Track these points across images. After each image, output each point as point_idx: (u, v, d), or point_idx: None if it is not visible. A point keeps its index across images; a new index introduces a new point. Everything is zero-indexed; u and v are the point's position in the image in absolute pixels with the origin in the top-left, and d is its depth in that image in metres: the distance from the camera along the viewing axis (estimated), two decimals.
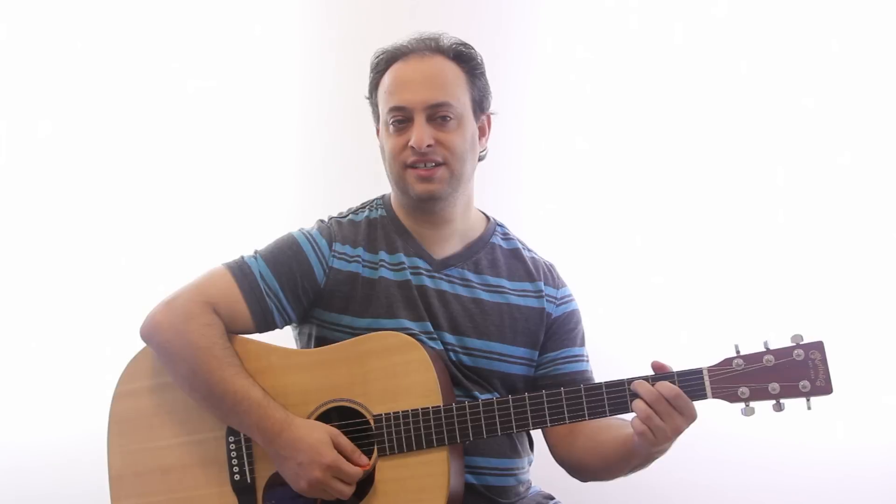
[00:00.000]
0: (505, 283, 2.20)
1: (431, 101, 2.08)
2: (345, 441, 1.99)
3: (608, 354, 2.49)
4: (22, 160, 3.13)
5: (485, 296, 2.17)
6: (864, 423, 2.80)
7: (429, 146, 2.07)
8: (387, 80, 2.14)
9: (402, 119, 2.09)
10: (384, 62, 2.16)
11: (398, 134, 2.10)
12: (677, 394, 1.87)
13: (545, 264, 2.27)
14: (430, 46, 2.14)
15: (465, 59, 2.15)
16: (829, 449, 2.82)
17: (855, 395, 2.68)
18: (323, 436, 1.98)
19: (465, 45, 2.16)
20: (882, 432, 2.81)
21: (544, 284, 2.22)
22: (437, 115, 2.09)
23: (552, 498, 2.23)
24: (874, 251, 2.84)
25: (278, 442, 1.98)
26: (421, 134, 2.06)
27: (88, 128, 3.14)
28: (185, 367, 2.06)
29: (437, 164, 2.09)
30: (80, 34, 3.16)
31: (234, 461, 2.07)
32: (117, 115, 3.15)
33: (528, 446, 2.22)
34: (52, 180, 3.12)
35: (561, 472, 2.19)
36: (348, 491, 1.97)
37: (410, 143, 2.07)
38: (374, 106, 2.19)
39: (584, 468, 2.14)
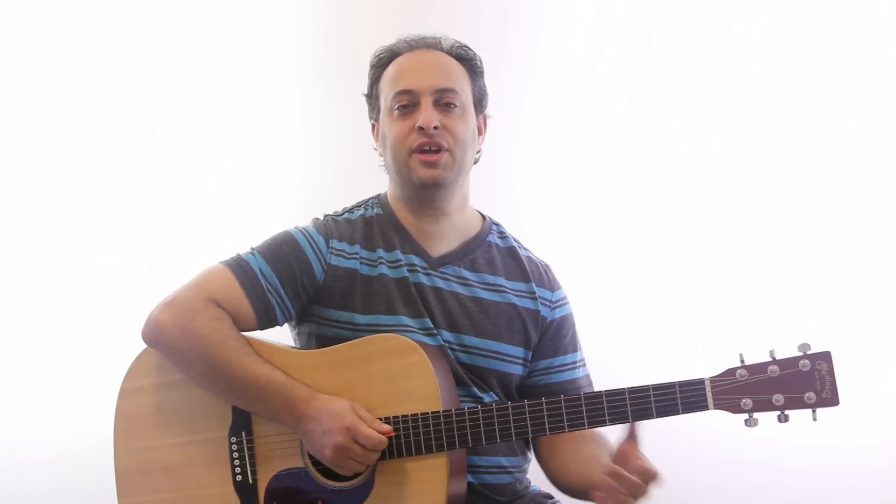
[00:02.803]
0: (503, 281, 2.19)
1: (438, 85, 2.11)
2: (365, 412, 1.98)
3: (608, 360, 2.48)
4: (25, 161, 3.14)
5: (482, 294, 2.16)
6: (865, 425, 2.77)
7: (435, 128, 2.07)
8: (391, 71, 2.16)
9: (407, 104, 2.11)
10: (386, 58, 2.18)
11: (403, 118, 2.11)
12: (655, 475, 1.84)
13: (541, 265, 2.26)
14: (433, 45, 2.16)
15: (465, 58, 2.18)
16: (829, 448, 2.80)
17: (858, 398, 2.64)
18: (344, 404, 1.98)
19: (465, 47, 2.19)
20: (882, 434, 2.80)
21: (538, 286, 2.21)
22: (443, 100, 2.11)
23: (551, 497, 2.22)
24: (885, 259, 2.80)
25: (305, 417, 1.98)
26: (429, 114, 2.08)
27: (91, 129, 3.16)
28: (201, 363, 2.05)
29: (441, 150, 2.09)
30: (83, 36, 3.16)
31: (237, 461, 2.08)
32: (118, 116, 3.15)
33: (524, 447, 2.22)
34: (56, 180, 3.14)
35: None
36: (371, 457, 1.96)
37: (418, 125, 2.08)
38: (374, 101, 2.20)
39: (557, 485, 2.18)
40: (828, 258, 2.84)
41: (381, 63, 2.18)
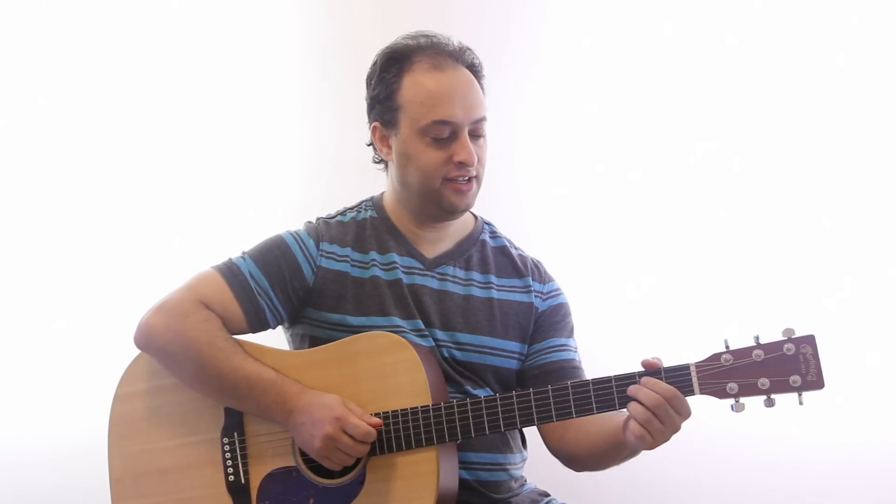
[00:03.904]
0: (494, 279, 2.20)
1: (476, 116, 2.09)
2: (355, 406, 1.99)
3: (596, 348, 2.49)
4: (23, 162, 3.16)
5: (476, 292, 2.18)
6: (862, 420, 2.78)
7: None
8: (420, 88, 2.08)
9: (446, 133, 2.07)
10: (403, 63, 2.11)
11: (438, 147, 2.07)
12: (674, 394, 1.85)
13: (532, 261, 2.27)
14: (453, 55, 2.12)
15: (476, 69, 2.15)
16: (828, 446, 2.81)
17: (854, 391, 2.68)
18: (334, 397, 1.99)
19: (472, 53, 2.16)
20: (881, 432, 2.79)
21: (532, 280, 2.23)
22: (476, 130, 2.10)
23: (547, 495, 2.22)
24: (868, 244, 2.82)
25: (295, 411, 1.99)
26: (470, 150, 2.07)
27: (89, 128, 3.17)
28: (191, 364, 2.07)
29: (471, 179, 2.10)
30: (82, 34, 3.19)
31: (229, 462, 2.08)
32: (117, 116, 3.18)
33: (520, 443, 2.22)
34: (55, 182, 3.16)
35: (557, 469, 2.19)
36: (360, 449, 1.96)
37: (459, 159, 2.06)
38: (389, 109, 2.12)
39: (575, 459, 2.15)
40: (819, 252, 2.86)
41: (394, 71, 2.10)
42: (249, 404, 2.06)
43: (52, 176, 3.16)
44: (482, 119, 2.10)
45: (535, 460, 2.24)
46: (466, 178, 2.09)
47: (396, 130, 2.12)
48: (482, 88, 2.14)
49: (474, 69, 2.14)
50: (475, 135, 2.10)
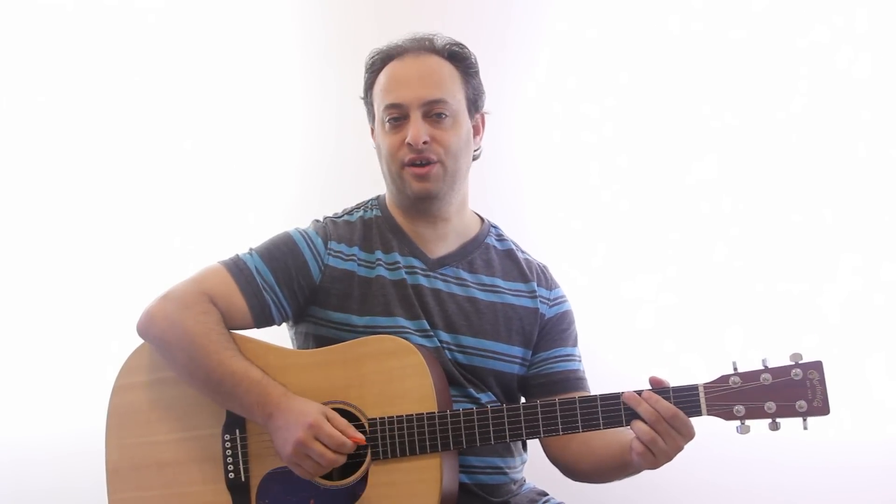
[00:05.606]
0: (499, 282, 2.20)
1: (427, 97, 2.09)
2: (338, 417, 1.96)
3: (607, 362, 2.49)
4: (23, 160, 3.14)
5: (479, 295, 2.17)
6: (862, 420, 2.78)
7: (425, 143, 2.07)
8: (382, 78, 2.15)
9: (398, 117, 2.10)
10: (379, 62, 2.17)
11: (394, 132, 2.11)
12: (674, 413, 1.86)
13: (538, 265, 2.27)
14: (425, 46, 2.14)
15: (459, 58, 2.16)
16: (828, 446, 2.80)
17: (855, 391, 2.68)
18: (315, 405, 1.98)
19: (459, 44, 2.17)
20: (881, 432, 2.81)
21: (537, 285, 2.22)
22: (433, 112, 2.09)
23: (546, 494, 2.23)
24: (866, 244, 2.82)
25: (275, 414, 1.98)
26: (417, 130, 2.07)
27: (89, 127, 3.16)
28: (183, 354, 2.06)
29: (432, 162, 2.08)
30: (81, 33, 3.17)
31: (229, 459, 2.08)
32: (117, 115, 3.16)
33: (521, 447, 2.22)
34: (57, 179, 3.14)
35: (556, 469, 2.19)
36: (330, 456, 1.93)
37: (407, 140, 2.07)
38: (370, 106, 2.20)
39: (577, 471, 2.15)
40: (824, 266, 2.85)
41: (375, 68, 2.17)
42: (233, 402, 2.05)
43: (52, 175, 3.14)
44: (436, 101, 2.09)
45: (534, 460, 2.24)
46: (425, 162, 2.08)
47: (374, 127, 2.18)
48: (468, 79, 2.15)
49: (456, 59, 2.15)
50: (434, 116, 2.09)
